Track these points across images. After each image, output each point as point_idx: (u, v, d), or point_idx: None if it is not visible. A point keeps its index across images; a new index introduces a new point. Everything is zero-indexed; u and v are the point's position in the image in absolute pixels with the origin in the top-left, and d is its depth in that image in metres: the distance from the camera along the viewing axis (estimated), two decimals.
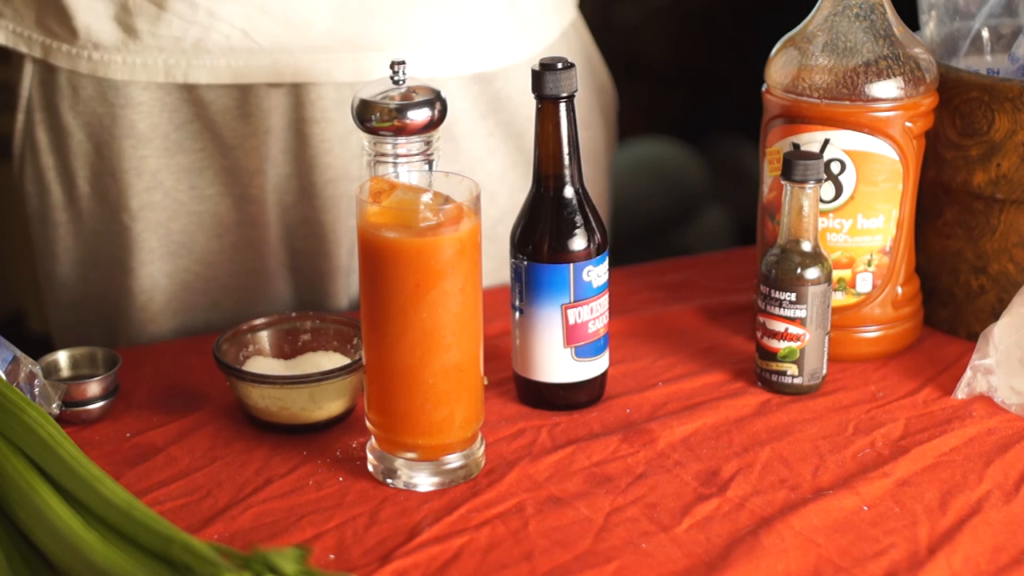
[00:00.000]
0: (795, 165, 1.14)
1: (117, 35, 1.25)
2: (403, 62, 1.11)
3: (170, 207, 1.31)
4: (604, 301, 1.14)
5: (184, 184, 1.31)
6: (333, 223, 1.33)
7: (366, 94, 1.11)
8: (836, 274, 1.20)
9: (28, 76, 1.32)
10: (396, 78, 1.11)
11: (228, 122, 1.29)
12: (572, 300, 1.12)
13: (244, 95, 1.27)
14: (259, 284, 1.35)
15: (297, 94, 1.28)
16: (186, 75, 1.26)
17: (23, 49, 1.30)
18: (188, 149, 1.30)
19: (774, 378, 1.17)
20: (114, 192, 1.31)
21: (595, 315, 1.14)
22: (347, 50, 1.26)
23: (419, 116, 1.10)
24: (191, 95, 1.28)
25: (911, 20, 1.24)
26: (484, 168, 1.35)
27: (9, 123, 1.79)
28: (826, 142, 1.17)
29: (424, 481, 1.05)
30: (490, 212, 1.33)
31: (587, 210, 1.13)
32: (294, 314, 1.21)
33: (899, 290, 1.23)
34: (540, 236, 1.12)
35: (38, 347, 1.19)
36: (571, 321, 1.13)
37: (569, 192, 1.12)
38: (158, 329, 1.34)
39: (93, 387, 1.14)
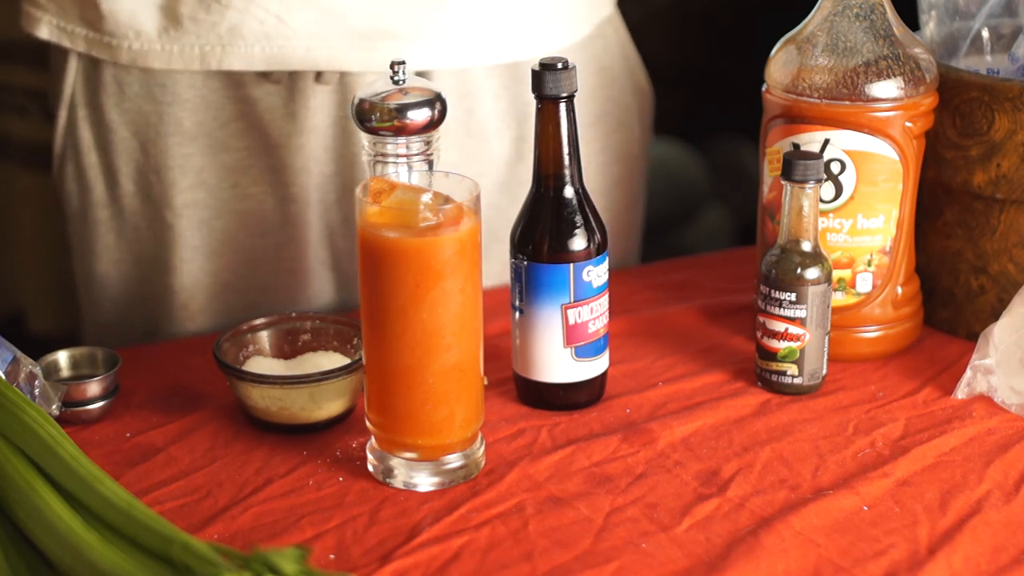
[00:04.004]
0: (795, 165, 1.14)
1: (160, 22, 1.25)
2: (403, 62, 1.11)
3: (213, 205, 1.31)
4: (604, 301, 1.14)
5: (227, 182, 1.31)
6: None
7: (366, 94, 1.11)
8: (836, 274, 1.20)
9: (72, 73, 1.32)
10: (396, 78, 1.11)
11: (274, 120, 1.29)
12: (572, 300, 1.12)
13: (291, 93, 1.28)
14: (299, 283, 1.35)
15: (343, 91, 1.28)
16: (220, 62, 1.26)
17: (66, 44, 1.30)
18: (232, 147, 1.30)
19: (774, 378, 1.17)
20: (158, 190, 1.31)
21: (595, 315, 1.14)
22: (381, 39, 1.26)
23: (419, 116, 1.10)
24: (237, 93, 1.28)
25: (911, 20, 1.24)
26: (513, 171, 1.35)
27: (9, 124, 1.79)
28: (826, 142, 1.17)
29: (424, 481, 1.05)
30: (511, 214, 1.33)
31: (587, 210, 1.13)
32: (294, 314, 1.21)
33: (899, 290, 1.23)
34: (540, 236, 1.12)
35: (38, 347, 1.19)
36: (571, 321, 1.13)
37: (569, 192, 1.12)
38: (197, 328, 1.34)
39: (93, 387, 1.14)
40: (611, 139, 1.42)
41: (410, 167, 1.11)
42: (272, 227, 1.33)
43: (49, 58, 1.38)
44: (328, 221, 1.34)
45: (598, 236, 1.13)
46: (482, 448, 1.07)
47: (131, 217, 1.33)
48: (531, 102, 1.11)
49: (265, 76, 1.27)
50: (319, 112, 1.29)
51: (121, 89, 1.30)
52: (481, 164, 1.34)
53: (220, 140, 1.30)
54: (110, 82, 1.30)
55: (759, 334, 1.17)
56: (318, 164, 1.31)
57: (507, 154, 1.35)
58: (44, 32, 1.30)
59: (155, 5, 1.25)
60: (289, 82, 1.28)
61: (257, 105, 1.29)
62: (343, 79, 1.28)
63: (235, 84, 1.28)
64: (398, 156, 1.11)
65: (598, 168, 1.41)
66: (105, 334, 1.37)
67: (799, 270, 1.15)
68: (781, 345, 1.16)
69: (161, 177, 1.31)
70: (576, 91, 1.10)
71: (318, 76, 1.27)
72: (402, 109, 1.10)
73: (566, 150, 1.11)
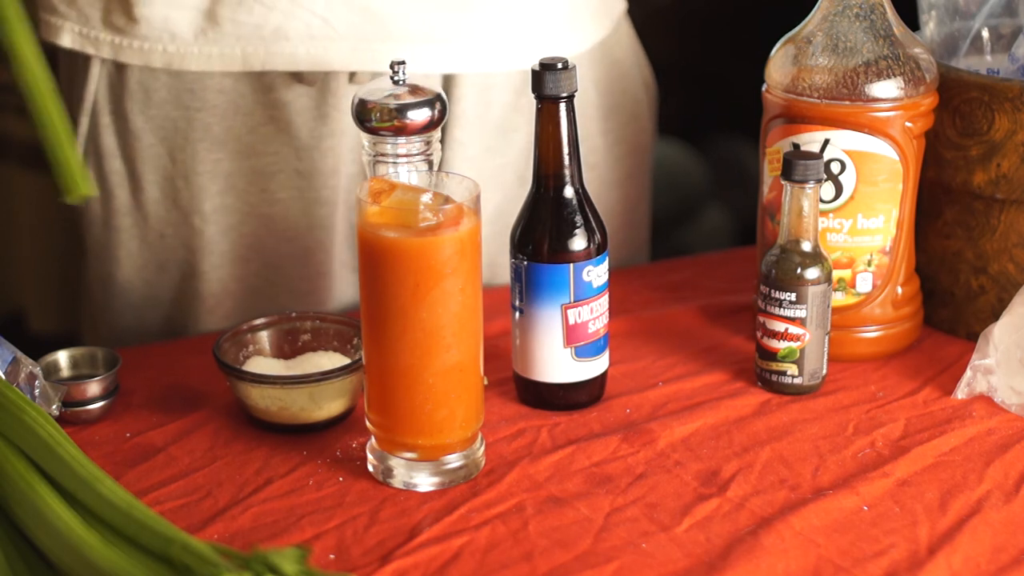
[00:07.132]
0: (795, 165, 1.14)
1: (197, 23, 1.25)
2: (403, 62, 1.11)
3: (241, 210, 1.31)
4: (604, 301, 1.14)
5: (256, 187, 1.31)
6: None
7: (366, 94, 1.11)
8: (836, 274, 1.20)
9: (95, 79, 1.30)
10: (396, 78, 1.11)
11: (305, 123, 1.29)
12: (572, 300, 1.12)
13: (323, 95, 1.28)
14: (324, 287, 1.35)
15: None
16: (263, 63, 1.25)
17: (90, 51, 1.28)
18: (262, 152, 1.30)
19: (774, 378, 1.17)
20: (186, 195, 1.31)
21: (595, 315, 1.14)
22: (421, 41, 1.26)
23: (419, 116, 1.10)
24: (267, 97, 1.28)
25: (911, 20, 1.24)
26: (529, 167, 1.36)
27: (9, 124, 1.79)
28: (826, 142, 1.17)
29: (424, 481, 1.05)
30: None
31: (587, 210, 1.13)
32: (294, 314, 1.21)
33: (899, 290, 1.23)
34: (540, 236, 1.12)
35: (38, 347, 1.19)
36: (571, 321, 1.13)
37: (569, 192, 1.12)
38: None
39: (93, 387, 1.14)
40: (625, 131, 1.43)
41: (410, 167, 1.11)
42: (300, 231, 1.32)
43: (58, 63, 1.36)
44: (351, 223, 1.33)
45: (598, 236, 1.13)
46: (482, 448, 1.07)
47: (156, 223, 1.32)
48: None
49: (298, 78, 1.27)
50: (348, 113, 1.28)
51: (148, 95, 1.28)
52: (501, 157, 1.34)
53: (249, 145, 1.29)
54: (136, 88, 1.28)
55: (759, 334, 1.18)
56: (345, 166, 1.31)
57: (528, 148, 1.35)
58: (67, 40, 1.28)
59: (191, 8, 1.24)
60: (321, 83, 1.28)
61: (287, 108, 1.28)
62: (373, 79, 1.28)
63: (265, 88, 1.28)
64: (398, 156, 1.11)
65: (614, 160, 1.41)
66: (127, 337, 1.36)
67: (799, 270, 1.15)
68: (781, 345, 1.16)
69: (189, 183, 1.30)
70: (576, 91, 1.10)
71: (352, 76, 1.27)
72: (402, 109, 1.10)
73: (566, 150, 1.11)
